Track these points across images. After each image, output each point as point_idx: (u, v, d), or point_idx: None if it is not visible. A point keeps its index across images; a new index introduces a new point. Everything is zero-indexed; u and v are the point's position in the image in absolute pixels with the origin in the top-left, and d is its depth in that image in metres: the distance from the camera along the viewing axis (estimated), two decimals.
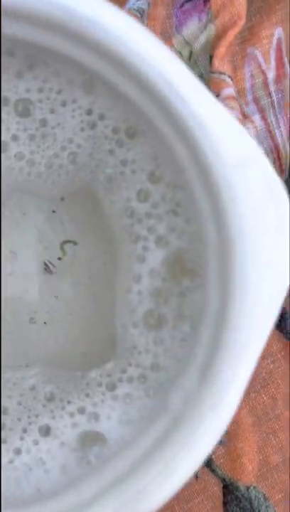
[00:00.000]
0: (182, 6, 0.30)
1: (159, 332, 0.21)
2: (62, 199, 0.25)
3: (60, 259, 0.25)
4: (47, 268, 0.25)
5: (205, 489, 0.29)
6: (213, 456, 0.29)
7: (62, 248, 0.25)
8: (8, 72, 0.21)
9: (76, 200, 0.25)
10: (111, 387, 0.21)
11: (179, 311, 0.21)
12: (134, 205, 0.22)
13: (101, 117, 0.22)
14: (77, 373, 0.22)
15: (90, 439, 0.21)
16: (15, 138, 0.22)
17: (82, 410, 0.21)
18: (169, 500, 0.18)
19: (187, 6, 0.30)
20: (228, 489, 0.29)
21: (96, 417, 0.21)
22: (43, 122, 0.22)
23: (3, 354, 0.25)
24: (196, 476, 0.29)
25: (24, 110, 0.22)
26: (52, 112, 0.22)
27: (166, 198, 0.21)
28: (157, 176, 0.21)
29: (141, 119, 0.21)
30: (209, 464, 0.29)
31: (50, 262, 0.25)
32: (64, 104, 0.22)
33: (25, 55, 0.21)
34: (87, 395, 0.21)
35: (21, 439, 0.21)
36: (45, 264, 0.25)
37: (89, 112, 0.22)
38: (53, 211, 0.26)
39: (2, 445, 0.22)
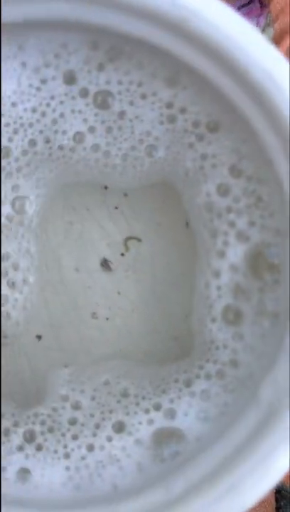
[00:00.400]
0: (238, 10, 0.30)
1: (238, 328, 0.21)
2: (126, 195, 0.25)
3: (122, 255, 0.25)
4: (105, 264, 0.25)
5: None
6: None
7: (125, 244, 0.25)
8: (89, 64, 0.21)
9: (140, 197, 0.25)
10: (188, 383, 0.21)
11: (260, 307, 0.21)
12: (214, 200, 0.21)
13: (183, 111, 0.21)
14: (152, 369, 0.22)
15: (166, 436, 0.21)
16: (92, 130, 0.22)
17: (157, 406, 0.21)
18: None
19: (243, 10, 0.30)
20: (281, 494, 0.28)
21: (172, 413, 0.21)
22: (121, 115, 0.22)
23: (68, 349, 0.24)
24: None
25: (103, 102, 0.22)
26: (131, 104, 0.22)
27: (247, 192, 0.21)
28: (238, 170, 0.21)
29: (227, 112, 0.21)
30: None
31: (109, 260, 0.25)
32: (144, 96, 0.22)
33: (108, 47, 0.21)
34: (163, 391, 0.21)
35: (94, 435, 0.21)
36: (104, 260, 0.25)
37: (169, 106, 0.21)
38: (116, 207, 0.25)
39: (73, 441, 0.21)
